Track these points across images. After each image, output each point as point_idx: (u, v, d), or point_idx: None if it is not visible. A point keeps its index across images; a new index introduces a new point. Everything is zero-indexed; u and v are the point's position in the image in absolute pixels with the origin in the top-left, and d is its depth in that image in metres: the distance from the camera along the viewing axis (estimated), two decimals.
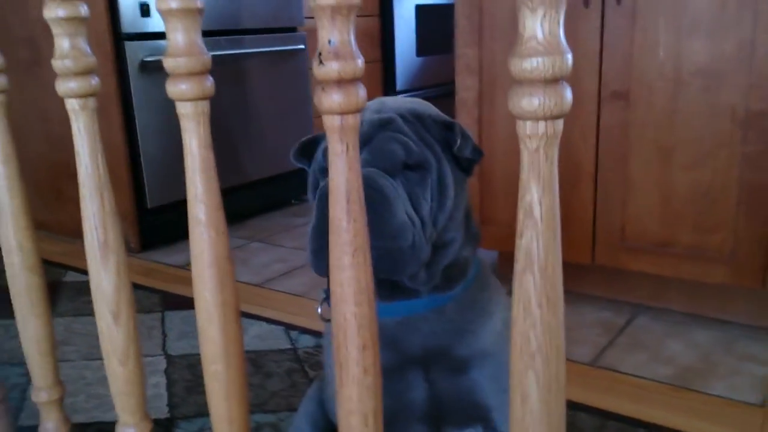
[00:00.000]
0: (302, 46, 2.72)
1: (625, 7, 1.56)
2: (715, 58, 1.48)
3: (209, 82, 0.49)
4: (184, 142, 0.50)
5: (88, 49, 0.59)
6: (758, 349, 1.52)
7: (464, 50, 1.83)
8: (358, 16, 3.21)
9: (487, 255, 2.05)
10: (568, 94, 0.37)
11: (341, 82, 0.41)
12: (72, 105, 0.60)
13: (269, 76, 2.64)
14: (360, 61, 0.42)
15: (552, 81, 0.36)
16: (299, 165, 0.84)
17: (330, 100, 0.41)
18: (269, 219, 2.75)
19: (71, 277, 2.15)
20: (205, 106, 0.49)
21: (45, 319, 0.80)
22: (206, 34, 2.42)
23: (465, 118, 1.87)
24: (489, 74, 1.81)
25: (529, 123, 0.37)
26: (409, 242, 0.71)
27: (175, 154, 2.39)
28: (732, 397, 1.34)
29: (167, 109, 2.34)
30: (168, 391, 1.43)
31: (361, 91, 0.42)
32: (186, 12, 0.46)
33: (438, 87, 3.37)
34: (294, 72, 2.75)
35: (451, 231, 0.79)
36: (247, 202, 2.70)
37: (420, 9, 3.21)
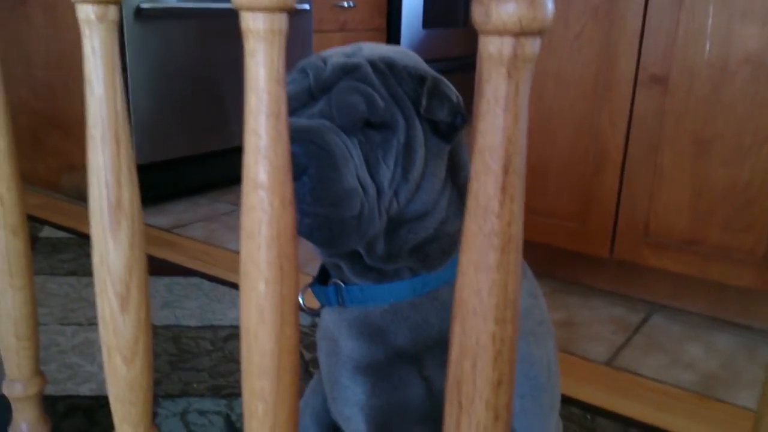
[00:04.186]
0: (307, 6, 2.55)
1: None
2: None
3: None
4: (247, 71, 0.35)
5: None
6: None
7: None
8: None
9: None
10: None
11: None
12: (86, 14, 0.42)
13: None
14: None
15: None
16: None
17: (504, 11, 0.26)
18: None
19: (48, 232, 2.00)
20: (283, 22, 0.35)
21: (27, 293, 0.62)
22: None
23: None
24: None
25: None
26: (355, 212, 0.59)
27: (168, 109, 2.24)
28: None
29: (163, 61, 2.18)
30: None
31: (550, 4, 0.28)
32: None
33: (442, 62, 3.23)
34: (297, 32, 2.58)
35: (420, 203, 0.66)
36: (235, 166, 2.55)
37: None
